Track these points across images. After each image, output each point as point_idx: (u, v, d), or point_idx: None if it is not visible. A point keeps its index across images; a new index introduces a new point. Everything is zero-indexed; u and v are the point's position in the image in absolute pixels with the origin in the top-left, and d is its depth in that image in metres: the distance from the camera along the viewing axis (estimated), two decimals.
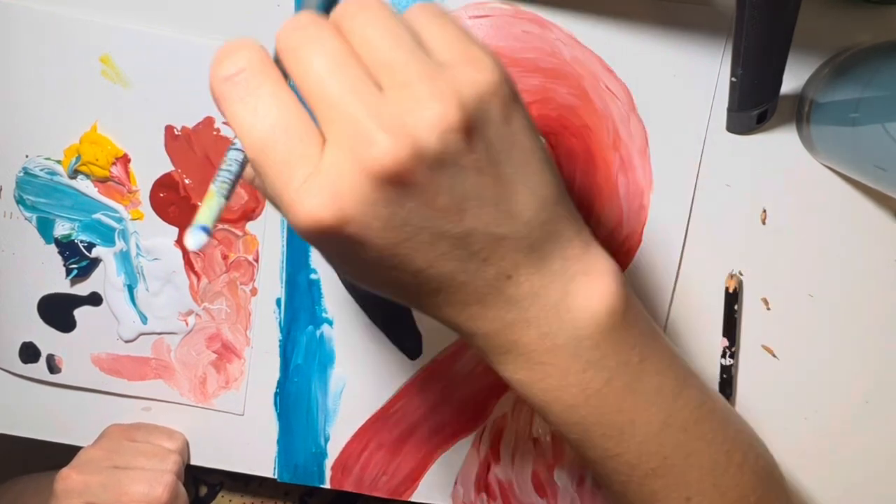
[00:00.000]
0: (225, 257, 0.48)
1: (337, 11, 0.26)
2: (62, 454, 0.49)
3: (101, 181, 0.46)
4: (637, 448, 0.32)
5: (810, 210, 0.45)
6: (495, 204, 0.27)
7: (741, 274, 0.46)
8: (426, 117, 0.24)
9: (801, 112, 0.43)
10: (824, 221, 0.45)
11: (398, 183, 0.25)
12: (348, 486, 0.51)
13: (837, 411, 0.48)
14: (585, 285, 0.30)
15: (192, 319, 0.49)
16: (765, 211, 0.45)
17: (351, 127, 0.24)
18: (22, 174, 0.46)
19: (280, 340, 0.49)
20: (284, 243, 0.47)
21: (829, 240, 0.45)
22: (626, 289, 0.31)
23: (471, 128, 0.25)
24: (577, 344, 0.30)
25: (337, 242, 0.26)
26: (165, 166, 0.46)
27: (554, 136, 0.44)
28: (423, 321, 0.48)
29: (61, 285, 0.48)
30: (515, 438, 0.49)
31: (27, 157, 0.46)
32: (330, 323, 0.48)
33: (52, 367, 0.50)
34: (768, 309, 0.46)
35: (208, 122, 0.45)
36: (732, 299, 0.46)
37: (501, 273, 0.28)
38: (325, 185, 0.24)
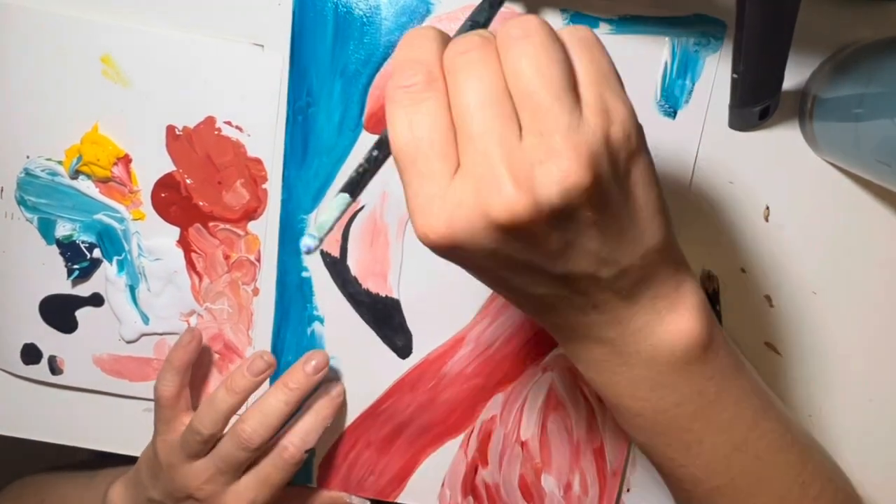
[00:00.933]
0: (227, 257, 0.48)
1: (501, 32, 0.27)
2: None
3: (102, 181, 0.46)
4: (704, 465, 0.33)
5: (813, 206, 0.45)
6: (597, 253, 0.28)
7: (744, 271, 0.46)
8: (553, 172, 0.25)
9: (803, 108, 0.43)
10: (827, 218, 0.45)
11: (510, 229, 0.26)
12: (334, 486, 0.51)
13: (841, 410, 0.48)
14: (669, 321, 0.31)
15: (193, 320, 0.49)
16: (767, 208, 0.45)
17: (483, 166, 0.26)
18: (23, 175, 0.46)
19: (271, 338, 0.49)
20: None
21: (833, 236, 0.45)
22: (710, 327, 0.32)
23: (594, 186, 0.26)
24: (650, 367, 0.31)
25: (443, 253, 0.28)
26: (167, 166, 0.46)
27: None
28: (413, 321, 0.48)
29: (63, 286, 0.48)
30: (504, 441, 0.49)
31: (28, 157, 0.46)
32: (321, 321, 0.48)
33: (54, 368, 0.50)
34: (771, 306, 0.46)
35: (209, 121, 0.45)
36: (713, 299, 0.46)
37: (589, 303, 0.29)
38: (444, 211, 0.26)
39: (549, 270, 0.28)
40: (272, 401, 0.45)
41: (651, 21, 0.42)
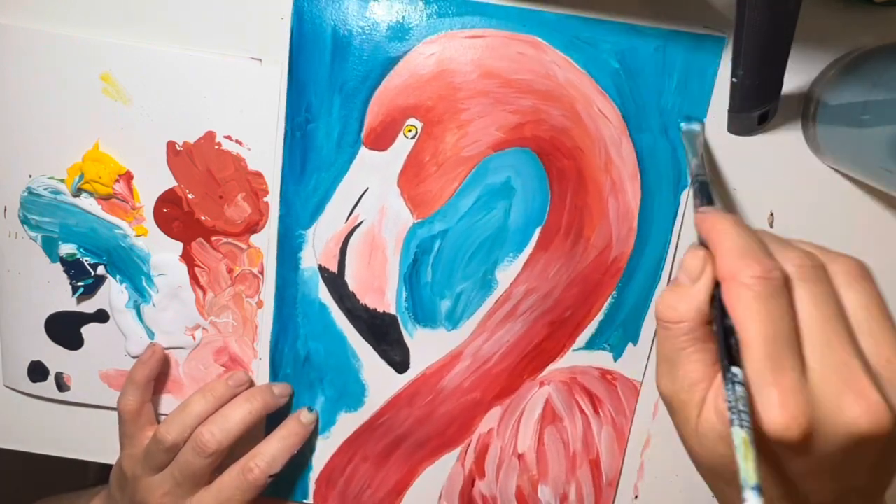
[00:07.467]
0: (230, 270, 0.48)
1: (838, 266, 0.29)
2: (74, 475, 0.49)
3: (104, 199, 0.46)
4: None
5: (818, 212, 0.44)
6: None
7: None
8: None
9: (807, 112, 0.42)
10: (832, 223, 0.44)
11: (867, 437, 0.26)
12: (332, 500, 0.51)
13: None
14: None
15: (198, 333, 0.49)
16: (772, 214, 0.44)
17: (845, 373, 0.26)
18: (26, 194, 0.46)
19: (270, 351, 0.49)
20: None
21: (838, 242, 0.44)
22: None
23: None
24: None
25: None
26: (168, 182, 0.46)
27: (546, 157, 0.44)
28: (411, 335, 0.48)
29: (68, 303, 0.48)
30: (501, 454, 0.49)
31: (31, 176, 0.46)
32: (319, 335, 0.48)
33: (61, 384, 0.50)
34: None
35: (209, 136, 0.45)
36: None
37: None
38: (803, 406, 0.26)
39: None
40: (235, 408, 0.45)
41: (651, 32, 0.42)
